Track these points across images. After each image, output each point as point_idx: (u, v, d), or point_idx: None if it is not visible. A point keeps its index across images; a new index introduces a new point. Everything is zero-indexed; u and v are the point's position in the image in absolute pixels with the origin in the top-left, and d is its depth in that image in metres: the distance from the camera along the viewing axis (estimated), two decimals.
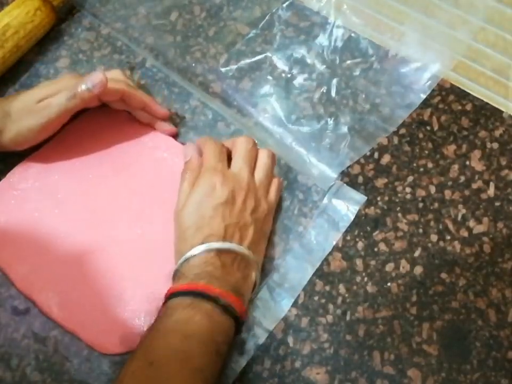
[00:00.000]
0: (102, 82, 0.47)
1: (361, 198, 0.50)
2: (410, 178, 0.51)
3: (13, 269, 0.46)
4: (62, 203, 0.49)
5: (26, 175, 0.50)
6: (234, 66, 0.56)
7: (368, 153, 0.52)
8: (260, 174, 0.47)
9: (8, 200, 0.49)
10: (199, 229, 0.43)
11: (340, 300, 0.46)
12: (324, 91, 0.55)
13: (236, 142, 0.48)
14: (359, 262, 0.47)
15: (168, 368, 0.35)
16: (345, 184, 0.50)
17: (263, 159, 0.48)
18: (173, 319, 0.38)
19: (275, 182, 0.48)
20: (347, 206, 0.49)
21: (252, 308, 0.45)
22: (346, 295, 0.46)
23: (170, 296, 0.40)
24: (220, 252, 0.42)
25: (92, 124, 0.52)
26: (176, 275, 0.42)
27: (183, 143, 0.51)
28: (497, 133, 0.53)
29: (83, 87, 0.46)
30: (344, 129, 0.52)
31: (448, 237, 0.49)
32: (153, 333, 0.38)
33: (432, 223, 0.49)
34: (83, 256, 0.46)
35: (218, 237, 0.42)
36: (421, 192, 0.50)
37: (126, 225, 0.48)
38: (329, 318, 0.45)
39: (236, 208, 0.44)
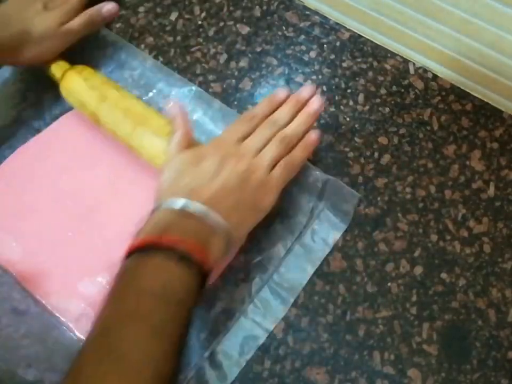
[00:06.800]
0: (115, 11, 0.54)
1: (355, 195, 0.49)
2: (410, 178, 0.51)
3: None
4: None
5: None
6: (234, 66, 0.56)
7: (368, 153, 0.52)
8: (268, 148, 0.44)
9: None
10: (171, 187, 0.41)
11: (339, 299, 0.46)
12: (324, 91, 0.55)
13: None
14: (359, 262, 0.47)
15: (126, 331, 0.33)
16: (341, 182, 0.50)
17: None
18: (125, 279, 0.36)
19: (286, 160, 0.44)
20: (345, 204, 0.49)
21: (251, 308, 0.45)
22: (346, 295, 0.46)
23: (127, 256, 0.37)
24: (183, 212, 0.38)
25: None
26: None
27: None
28: (497, 133, 0.53)
29: (100, 13, 0.53)
30: (344, 129, 0.53)
31: (448, 237, 0.49)
32: (108, 298, 0.36)
33: (432, 223, 0.49)
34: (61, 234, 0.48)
35: (187, 197, 0.39)
36: (421, 192, 0.50)
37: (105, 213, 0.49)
38: (329, 318, 0.45)
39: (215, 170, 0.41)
